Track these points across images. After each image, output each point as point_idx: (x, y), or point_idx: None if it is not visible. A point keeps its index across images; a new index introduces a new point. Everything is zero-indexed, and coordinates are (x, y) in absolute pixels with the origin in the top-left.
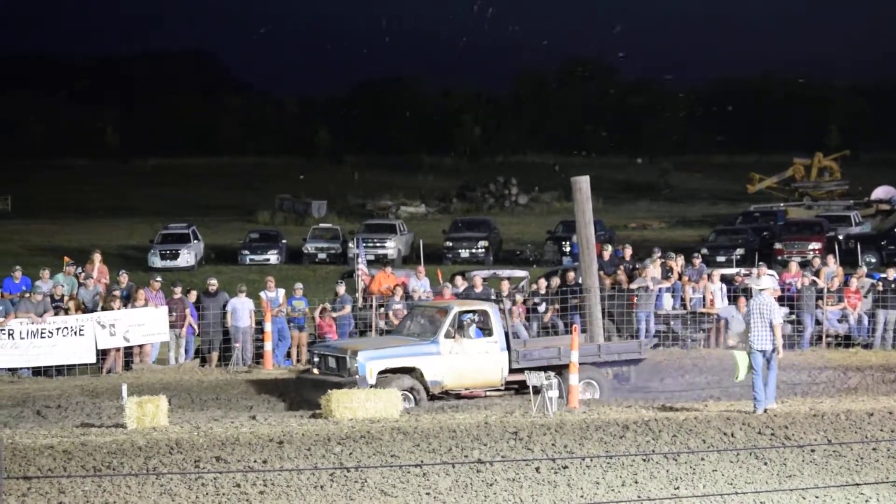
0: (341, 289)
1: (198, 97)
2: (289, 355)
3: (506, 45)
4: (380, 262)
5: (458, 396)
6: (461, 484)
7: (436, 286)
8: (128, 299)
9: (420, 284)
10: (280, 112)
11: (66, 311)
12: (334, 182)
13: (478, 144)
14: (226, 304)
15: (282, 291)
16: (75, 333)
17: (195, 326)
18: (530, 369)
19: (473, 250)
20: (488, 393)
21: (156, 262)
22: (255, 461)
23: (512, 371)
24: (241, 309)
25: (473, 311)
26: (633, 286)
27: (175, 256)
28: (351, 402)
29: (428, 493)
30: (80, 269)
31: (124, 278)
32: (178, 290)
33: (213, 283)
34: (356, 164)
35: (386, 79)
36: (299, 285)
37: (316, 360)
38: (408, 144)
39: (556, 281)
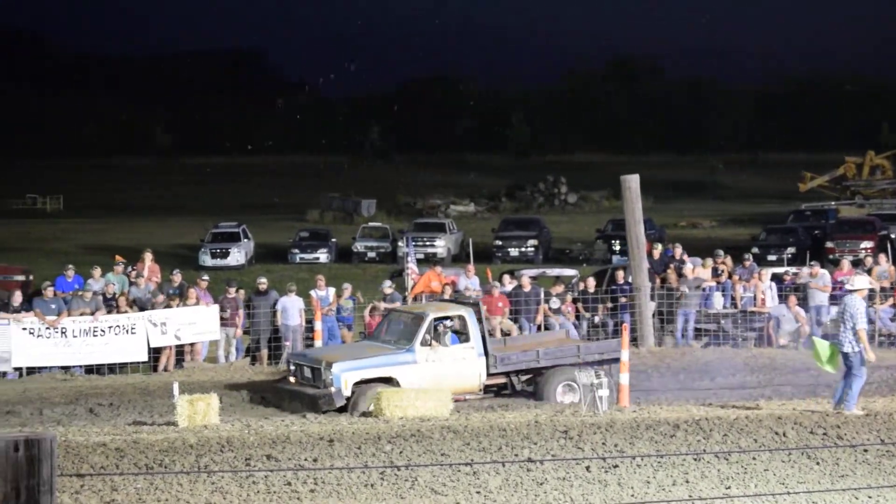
0: (388, 288)
1: (247, 96)
2: None
3: (556, 43)
4: (429, 260)
5: None
6: (511, 483)
7: (485, 285)
8: (180, 297)
9: (469, 283)
10: (330, 111)
11: (118, 309)
12: (384, 181)
13: (527, 143)
14: (276, 303)
15: (332, 290)
16: (127, 332)
17: (239, 328)
18: (508, 373)
19: (523, 249)
20: (466, 398)
21: (206, 260)
22: (305, 459)
23: (490, 375)
24: (291, 308)
25: (450, 317)
26: (681, 288)
27: (225, 255)
28: (401, 400)
29: (478, 492)
30: (130, 268)
31: (178, 277)
32: (232, 289)
33: (263, 282)
34: (405, 162)
35: (435, 77)
36: (347, 286)
37: (292, 368)
38: (457, 143)
39: (591, 282)
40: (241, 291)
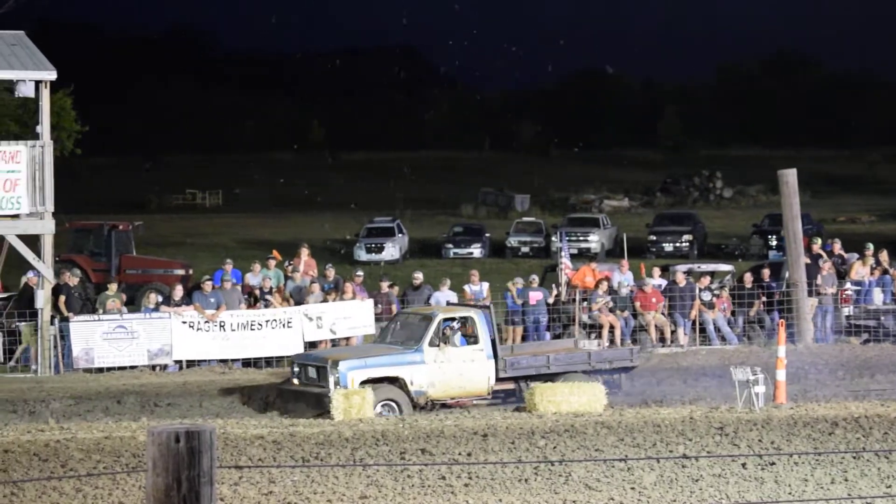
0: (534, 282)
1: (403, 92)
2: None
3: (710, 36)
4: (583, 255)
5: (444, 406)
6: (666, 479)
7: (639, 280)
8: (335, 292)
9: (624, 278)
10: (484, 106)
11: (273, 303)
12: (538, 175)
13: (681, 137)
14: (430, 298)
15: (486, 285)
16: (284, 326)
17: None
18: (517, 379)
19: (677, 244)
20: (475, 402)
21: (361, 255)
22: (459, 454)
23: (499, 380)
24: (444, 302)
25: (459, 318)
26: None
27: (380, 250)
28: (555, 395)
29: (633, 488)
30: (287, 262)
31: (331, 272)
32: (385, 283)
33: (418, 277)
34: (560, 157)
35: (589, 72)
36: (519, 280)
37: (296, 370)
38: (611, 137)
39: (748, 277)
40: (396, 287)
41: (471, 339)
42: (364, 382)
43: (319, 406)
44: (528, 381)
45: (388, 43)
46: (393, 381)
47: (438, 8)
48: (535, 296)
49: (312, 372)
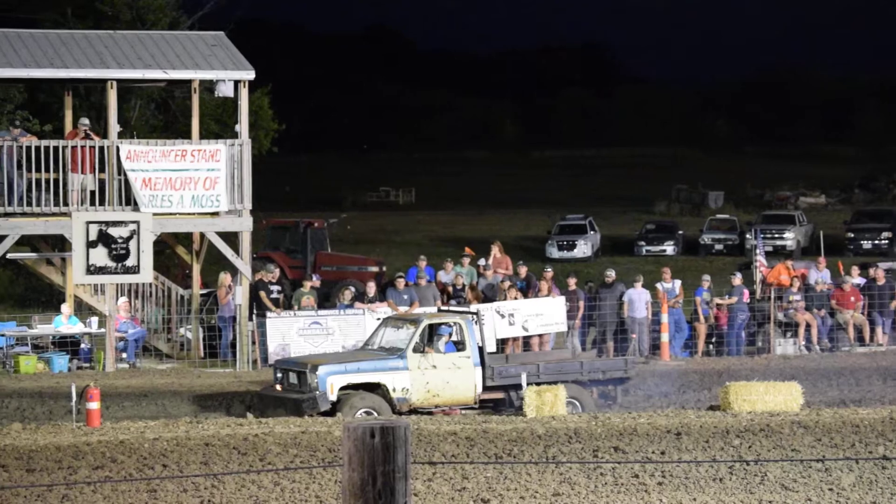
0: (736, 280)
1: (594, 89)
2: (687, 346)
3: None
4: (778, 253)
5: (429, 414)
6: (865, 480)
7: (836, 278)
8: (527, 289)
9: (820, 276)
10: (676, 102)
11: (466, 300)
12: (732, 172)
13: (881, 132)
14: (622, 295)
15: (678, 282)
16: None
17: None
18: (506, 388)
19: (876, 241)
20: (463, 411)
21: (553, 252)
22: (653, 452)
23: (487, 389)
24: (637, 300)
25: (445, 324)
26: None
27: (572, 247)
28: (750, 394)
29: (830, 489)
30: (480, 260)
31: (523, 269)
32: (572, 280)
33: (610, 274)
34: (754, 153)
35: (782, 67)
36: (707, 277)
37: (278, 375)
38: (807, 133)
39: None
40: (591, 284)
41: (458, 345)
42: (344, 388)
43: (297, 412)
44: (518, 390)
45: (578, 41)
46: (374, 386)
47: (627, 6)
48: None
49: (293, 377)
